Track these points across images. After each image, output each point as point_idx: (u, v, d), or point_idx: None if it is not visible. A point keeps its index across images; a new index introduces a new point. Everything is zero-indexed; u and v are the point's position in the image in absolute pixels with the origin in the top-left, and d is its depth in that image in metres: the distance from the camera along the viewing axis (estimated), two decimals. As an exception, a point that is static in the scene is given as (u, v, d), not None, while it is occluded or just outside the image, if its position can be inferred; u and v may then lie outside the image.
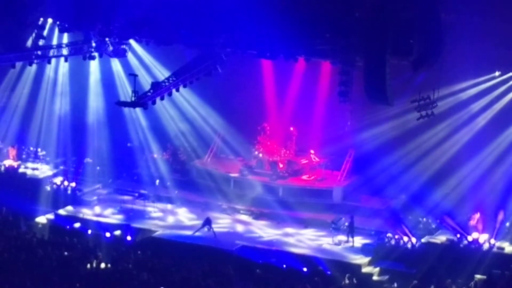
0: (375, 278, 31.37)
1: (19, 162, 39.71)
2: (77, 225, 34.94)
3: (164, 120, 39.69)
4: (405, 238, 32.50)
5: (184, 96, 38.42)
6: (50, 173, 39.04)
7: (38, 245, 30.27)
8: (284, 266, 31.00)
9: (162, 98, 33.44)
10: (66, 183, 37.74)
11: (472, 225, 32.51)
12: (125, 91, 38.22)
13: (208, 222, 34.08)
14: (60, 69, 39.97)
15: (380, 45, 28.61)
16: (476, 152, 34.38)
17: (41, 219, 35.76)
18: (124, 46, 36.14)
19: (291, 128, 38.39)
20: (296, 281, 28.58)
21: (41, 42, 35.33)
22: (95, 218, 35.59)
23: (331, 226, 34.08)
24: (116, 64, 39.34)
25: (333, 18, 29.74)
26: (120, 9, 32.20)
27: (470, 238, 31.96)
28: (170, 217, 36.26)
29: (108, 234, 33.69)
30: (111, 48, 35.78)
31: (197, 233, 33.87)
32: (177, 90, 34.37)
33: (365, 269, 31.67)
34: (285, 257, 31.93)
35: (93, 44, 35.36)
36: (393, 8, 28.16)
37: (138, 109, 36.77)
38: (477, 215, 32.82)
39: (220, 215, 36.31)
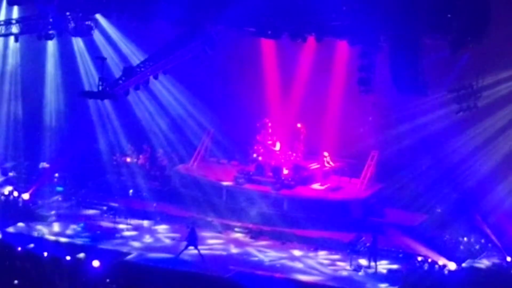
0: (404, 312, 31.46)
1: (-42, 168, 39.83)
2: (30, 246, 34.77)
3: (139, 115, 39.76)
4: (441, 262, 32.45)
5: (165, 85, 38.57)
6: (-4, 181, 39.05)
7: (-19, 272, 30.16)
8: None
9: (137, 88, 33.41)
10: (16, 193, 37.71)
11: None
12: (91, 79, 38.30)
13: (193, 233, 33.82)
14: (8, 52, 40.07)
15: (411, 20, 28.49)
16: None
17: (-15, 239, 35.69)
18: (89, 23, 36.28)
19: (299, 125, 38.41)
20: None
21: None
22: (53, 238, 35.44)
23: (349, 248, 33.99)
24: (79, 45, 39.38)
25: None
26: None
27: (521, 262, 32.15)
28: (147, 236, 36.12)
29: (69, 258, 33.49)
30: (72, 24, 35.88)
31: (182, 256, 33.65)
32: (156, 78, 34.59)
33: (391, 301, 31.76)
34: (291, 285, 31.74)
35: (51, 20, 35.48)
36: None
37: (106, 101, 36.64)
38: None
39: (210, 233, 36.12)
